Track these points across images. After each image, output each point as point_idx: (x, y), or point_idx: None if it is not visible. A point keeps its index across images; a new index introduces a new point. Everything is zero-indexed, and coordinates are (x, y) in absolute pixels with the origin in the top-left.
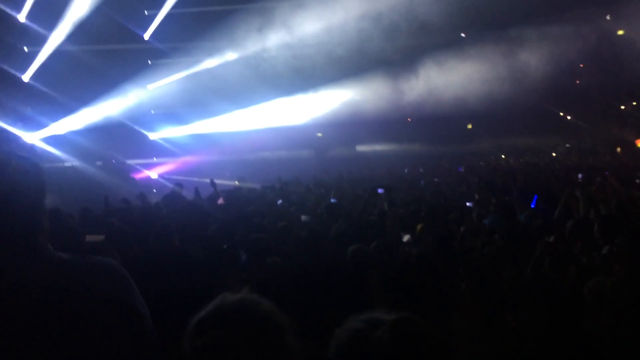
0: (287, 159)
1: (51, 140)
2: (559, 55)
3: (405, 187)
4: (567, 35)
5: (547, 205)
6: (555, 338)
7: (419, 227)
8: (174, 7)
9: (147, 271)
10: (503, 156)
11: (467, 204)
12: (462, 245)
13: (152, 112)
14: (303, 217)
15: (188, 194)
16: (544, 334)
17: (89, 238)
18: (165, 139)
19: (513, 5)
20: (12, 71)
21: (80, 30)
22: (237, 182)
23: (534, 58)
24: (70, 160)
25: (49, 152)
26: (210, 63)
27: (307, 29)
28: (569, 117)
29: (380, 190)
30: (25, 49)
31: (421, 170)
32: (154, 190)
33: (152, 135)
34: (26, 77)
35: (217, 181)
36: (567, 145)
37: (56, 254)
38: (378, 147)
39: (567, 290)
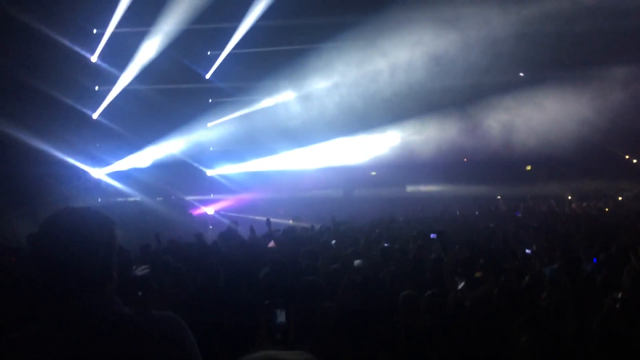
0: (340, 198)
1: (116, 175)
2: (626, 96)
3: (458, 230)
4: (635, 76)
5: (612, 256)
6: None
7: (477, 274)
8: (235, 47)
9: (196, 310)
10: (570, 198)
11: (527, 251)
12: (525, 296)
13: (211, 149)
14: (356, 262)
15: (243, 232)
16: None
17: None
18: (222, 176)
19: (575, 45)
20: (83, 110)
21: (148, 71)
22: (291, 221)
23: (598, 98)
24: (132, 195)
25: (113, 187)
26: (268, 102)
27: (364, 69)
28: (635, 161)
29: (432, 236)
30: (97, 88)
31: (476, 213)
32: (210, 227)
33: (210, 172)
34: (96, 115)
35: (271, 219)
36: (636, 190)
37: (121, 309)
38: (432, 188)
39: (637, 348)
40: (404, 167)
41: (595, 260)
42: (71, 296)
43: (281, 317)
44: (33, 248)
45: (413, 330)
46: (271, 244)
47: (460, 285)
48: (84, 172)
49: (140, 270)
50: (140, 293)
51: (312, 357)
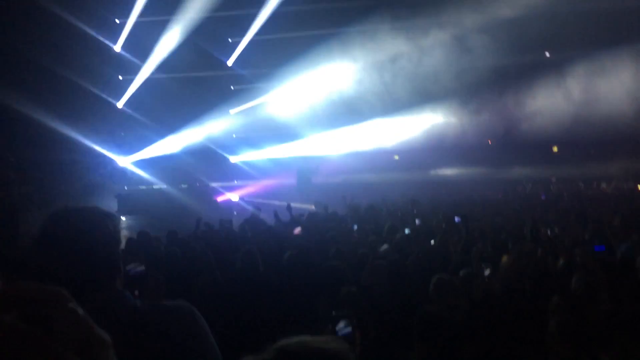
0: (365, 182)
1: (141, 163)
2: None
3: (485, 214)
4: None
5: None
6: None
7: (504, 259)
8: (257, 34)
9: (231, 298)
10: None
11: (549, 232)
12: (557, 280)
13: (234, 136)
14: (382, 248)
15: (267, 218)
16: None
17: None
18: (245, 162)
19: (601, 24)
20: (108, 99)
21: (170, 60)
22: (313, 207)
23: (626, 78)
24: (157, 183)
25: (138, 175)
26: (289, 88)
27: (387, 53)
28: None
29: (457, 219)
30: (120, 77)
31: (500, 196)
32: (235, 213)
33: (233, 159)
34: (120, 104)
35: (294, 205)
36: None
37: (133, 301)
38: (457, 171)
39: None
40: (429, 151)
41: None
42: (84, 294)
43: (347, 328)
44: (37, 249)
45: (449, 321)
46: (297, 230)
47: (487, 272)
48: (111, 160)
49: (134, 268)
50: (136, 292)
51: (347, 344)
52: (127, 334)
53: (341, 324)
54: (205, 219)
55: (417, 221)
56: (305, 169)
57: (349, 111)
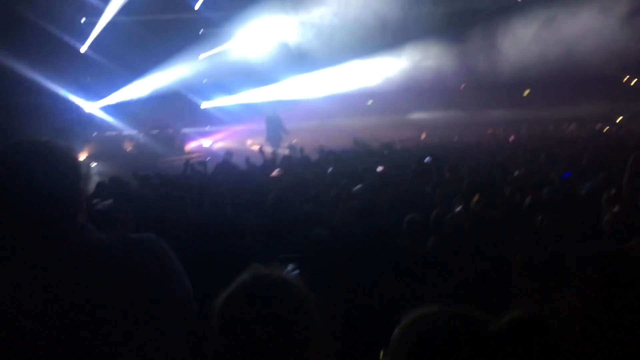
0: (339, 127)
1: (109, 109)
2: (624, 17)
3: (456, 156)
4: None
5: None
6: (620, 319)
7: (475, 198)
8: None
9: (199, 238)
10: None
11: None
12: (525, 216)
13: (204, 81)
14: (355, 188)
15: (239, 163)
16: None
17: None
18: (216, 108)
19: None
20: (71, 42)
21: (134, 1)
22: (287, 151)
23: (596, 19)
24: (127, 129)
25: (107, 122)
26: (260, 29)
27: None
28: (633, 82)
29: (427, 159)
30: (83, 20)
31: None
32: (207, 159)
33: (205, 104)
34: (84, 48)
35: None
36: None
37: (97, 234)
38: (432, 115)
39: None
40: (403, 95)
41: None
42: (42, 227)
43: (295, 272)
44: None
45: (418, 255)
46: (275, 172)
47: (458, 209)
48: (77, 106)
49: (103, 204)
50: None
51: (301, 281)
52: (90, 267)
53: (290, 267)
54: (173, 165)
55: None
56: (274, 117)
57: (323, 53)
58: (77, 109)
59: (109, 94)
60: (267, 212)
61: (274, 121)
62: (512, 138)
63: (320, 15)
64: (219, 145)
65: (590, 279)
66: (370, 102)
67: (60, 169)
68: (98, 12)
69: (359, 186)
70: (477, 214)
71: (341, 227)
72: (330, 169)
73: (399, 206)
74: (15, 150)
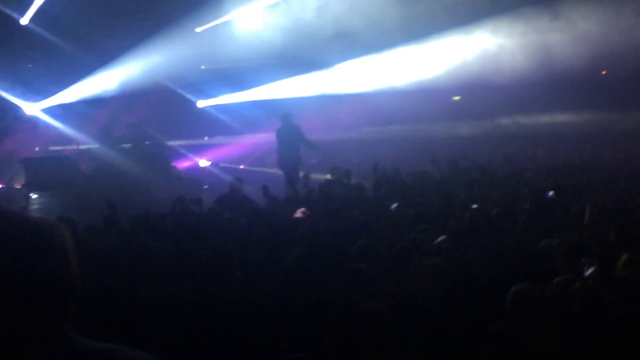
0: (403, 136)
1: (60, 111)
2: None
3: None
4: None
5: None
6: None
7: (622, 258)
8: None
9: (192, 318)
10: None
11: None
12: None
13: (203, 67)
14: (439, 240)
15: (254, 194)
16: None
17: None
18: (220, 107)
19: None
20: (7, 11)
21: None
22: (328, 176)
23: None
24: (85, 142)
25: (55, 128)
26: None
27: None
28: None
29: (549, 194)
30: None
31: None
32: (205, 187)
33: (202, 103)
34: (25, 19)
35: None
36: None
37: (83, 345)
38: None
39: None
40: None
41: None
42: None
43: None
44: None
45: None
46: (299, 212)
47: (589, 271)
48: (14, 106)
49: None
50: None
51: None
52: None
53: None
54: (153, 197)
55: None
56: (289, 128)
57: (377, 34)
58: (13, 109)
59: (60, 90)
60: (290, 274)
61: (289, 133)
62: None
63: None
64: (222, 166)
65: None
66: (457, 98)
67: (37, 255)
68: None
69: (442, 238)
70: (624, 282)
71: (411, 300)
72: (394, 205)
73: (500, 269)
74: None
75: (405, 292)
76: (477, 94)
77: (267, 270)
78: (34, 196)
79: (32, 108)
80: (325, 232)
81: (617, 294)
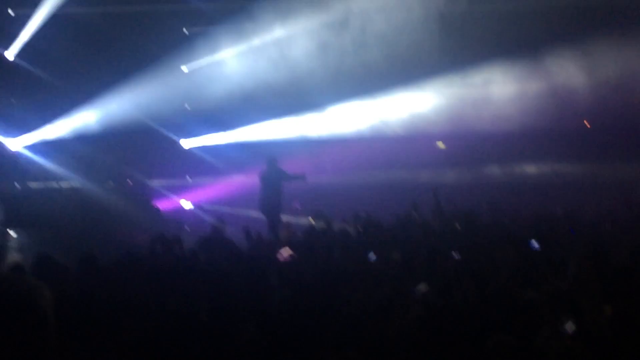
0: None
1: (42, 148)
2: None
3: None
4: None
5: None
6: None
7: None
8: None
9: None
10: None
11: None
12: None
13: (187, 107)
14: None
15: (236, 236)
16: None
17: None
18: (204, 149)
19: None
20: None
21: None
22: (312, 219)
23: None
24: (67, 178)
25: (38, 165)
26: (277, 33)
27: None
28: None
29: (533, 245)
30: (11, 12)
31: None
32: (187, 228)
33: (186, 143)
34: (10, 53)
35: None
36: None
37: None
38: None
39: None
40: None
41: None
42: None
43: None
44: None
45: None
46: (284, 254)
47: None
48: None
49: None
50: None
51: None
52: None
53: None
54: (134, 237)
55: None
56: (272, 171)
57: (371, 73)
58: None
59: (42, 125)
60: (273, 322)
61: (273, 177)
62: None
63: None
64: (205, 208)
65: None
66: (441, 144)
67: (17, 317)
68: (34, 2)
69: (422, 285)
70: (605, 338)
71: (391, 349)
72: (371, 255)
73: (480, 319)
74: None
75: (386, 340)
76: (463, 141)
77: (251, 312)
78: (13, 234)
79: (14, 142)
80: (310, 277)
81: (596, 351)
